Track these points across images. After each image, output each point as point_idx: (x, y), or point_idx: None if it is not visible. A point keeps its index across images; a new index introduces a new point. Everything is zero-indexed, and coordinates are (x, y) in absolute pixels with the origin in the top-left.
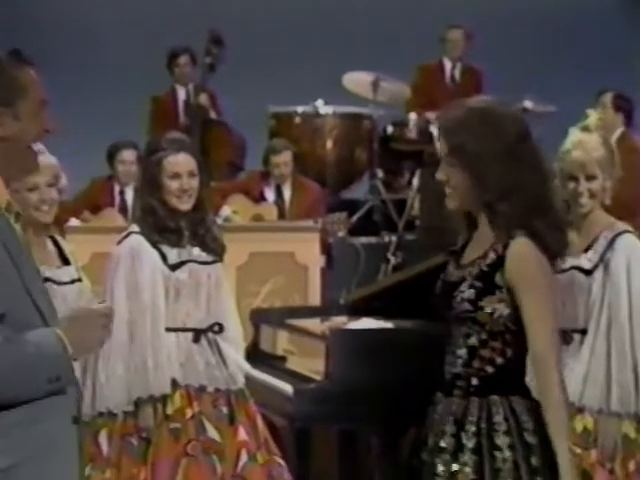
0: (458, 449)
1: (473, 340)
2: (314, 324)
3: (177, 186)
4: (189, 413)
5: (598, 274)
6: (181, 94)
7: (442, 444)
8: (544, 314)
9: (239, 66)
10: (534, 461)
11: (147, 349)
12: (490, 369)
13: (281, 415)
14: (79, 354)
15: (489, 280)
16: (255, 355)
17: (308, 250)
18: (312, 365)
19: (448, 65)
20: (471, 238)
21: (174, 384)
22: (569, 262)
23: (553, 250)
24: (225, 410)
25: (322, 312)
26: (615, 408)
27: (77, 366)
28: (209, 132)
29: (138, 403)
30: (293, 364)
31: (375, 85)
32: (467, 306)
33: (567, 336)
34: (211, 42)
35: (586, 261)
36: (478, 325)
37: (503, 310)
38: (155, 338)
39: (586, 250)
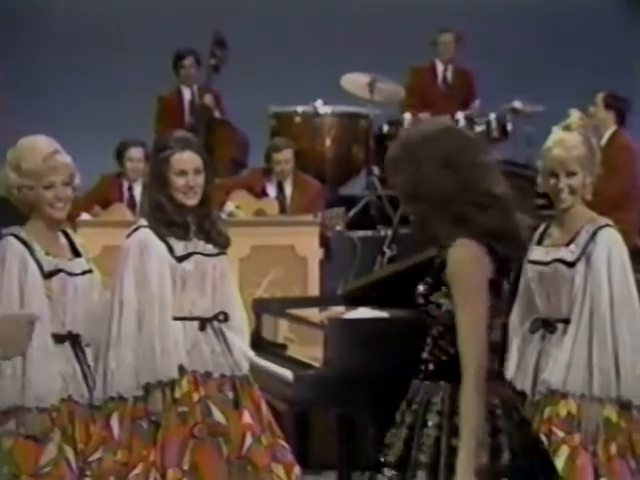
0: (399, 424)
1: (434, 331)
2: (313, 313)
3: (183, 183)
4: (196, 397)
5: (580, 266)
6: (186, 94)
7: (396, 419)
8: (469, 318)
9: (242, 68)
10: (454, 442)
11: (155, 337)
12: (444, 357)
13: (282, 399)
14: (6, 354)
15: (437, 277)
16: (257, 343)
17: (307, 243)
18: (311, 352)
19: (440, 67)
20: None
21: (181, 370)
22: (552, 255)
23: (502, 251)
24: (230, 395)
25: (320, 302)
26: (597, 393)
27: (89, 353)
28: (213, 131)
29: (147, 388)
30: (293, 351)
31: (371, 86)
32: (421, 300)
33: (551, 325)
34: (215, 44)
35: (569, 254)
36: (432, 318)
37: (449, 305)
38: (163, 326)
39: (568, 243)
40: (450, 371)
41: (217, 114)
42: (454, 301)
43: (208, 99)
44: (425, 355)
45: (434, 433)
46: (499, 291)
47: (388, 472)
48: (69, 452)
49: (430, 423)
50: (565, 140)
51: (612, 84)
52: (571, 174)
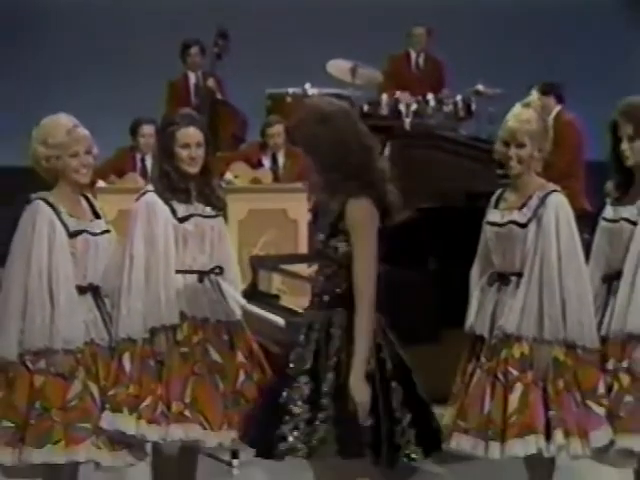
0: (305, 344)
1: (327, 271)
2: (302, 268)
3: (187, 154)
4: (195, 340)
5: (532, 227)
6: (192, 79)
7: (300, 340)
8: (365, 255)
9: (242, 56)
10: (352, 349)
11: (160, 287)
12: (338, 290)
13: (275, 343)
14: None
15: (335, 226)
16: (254, 294)
17: (298, 208)
18: (301, 302)
19: (413, 55)
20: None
21: (182, 316)
22: (507, 217)
23: (386, 201)
24: (226, 337)
25: (309, 259)
26: (547, 337)
27: (108, 303)
28: (216, 111)
29: (153, 332)
30: (285, 301)
31: (353, 71)
32: (321, 245)
33: (506, 278)
34: (218, 36)
35: (521, 216)
36: (329, 259)
37: (344, 248)
38: (167, 279)
39: (521, 207)
40: (345, 300)
41: (219, 96)
42: (353, 244)
43: (211, 82)
44: (317, 290)
45: (337, 344)
46: (382, 238)
47: (304, 379)
48: (93, 388)
49: (334, 337)
50: (520, 114)
51: (568, 70)
52: (520, 145)
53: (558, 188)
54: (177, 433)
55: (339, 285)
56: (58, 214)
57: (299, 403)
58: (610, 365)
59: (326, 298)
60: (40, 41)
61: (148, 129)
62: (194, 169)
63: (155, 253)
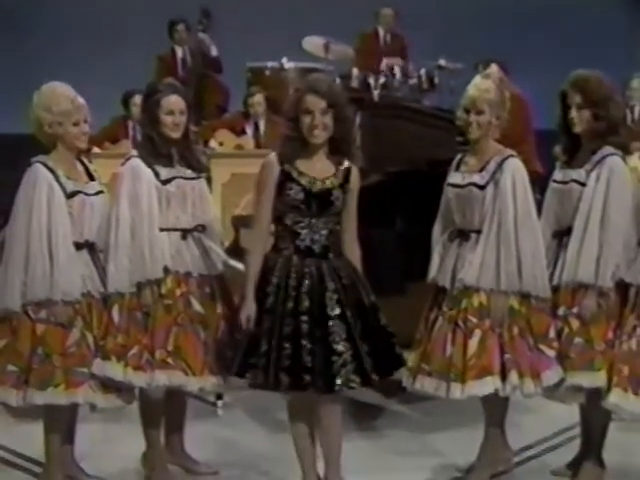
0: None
1: (332, 225)
2: None
3: (171, 120)
4: (178, 292)
5: (490, 188)
6: (179, 53)
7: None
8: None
9: (224, 32)
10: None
11: (145, 245)
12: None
13: None
14: None
15: (343, 187)
16: (236, 251)
17: None
18: None
19: (381, 33)
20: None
21: (166, 271)
22: (467, 179)
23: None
24: (207, 290)
25: None
26: (503, 288)
27: (102, 257)
28: (202, 83)
29: (139, 286)
30: None
31: (326, 47)
32: (338, 202)
33: (466, 235)
34: (202, 14)
35: (480, 179)
36: (338, 214)
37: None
38: (151, 236)
39: (480, 170)
40: (339, 247)
41: (213, 51)
42: (351, 201)
43: (206, 38)
44: (325, 242)
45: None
46: None
47: (304, 317)
48: (89, 336)
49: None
50: (481, 84)
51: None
52: (480, 112)
53: (514, 153)
54: (161, 379)
55: (338, 236)
56: (56, 177)
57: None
58: (561, 311)
59: (334, 247)
60: (39, 17)
61: (139, 99)
62: (176, 134)
63: (139, 213)
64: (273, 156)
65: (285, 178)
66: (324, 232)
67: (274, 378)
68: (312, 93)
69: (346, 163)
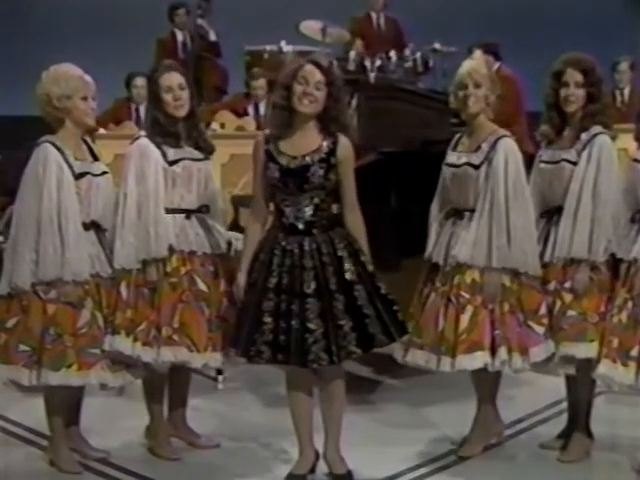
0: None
1: (316, 200)
2: None
3: (171, 97)
4: (183, 270)
5: (484, 168)
6: (179, 37)
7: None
8: (353, 180)
9: (223, 16)
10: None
11: (150, 223)
12: (330, 212)
13: None
14: None
15: (327, 161)
16: (235, 229)
17: None
18: None
19: (374, 16)
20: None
21: (171, 249)
22: (463, 159)
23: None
24: (211, 268)
25: None
26: (495, 265)
27: (108, 235)
28: (201, 65)
29: (144, 263)
30: None
31: (323, 31)
32: (321, 179)
33: (460, 214)
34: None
35: (475, 158)
36: (322, 189)
37: (334, 178)
38: (156, 215)
39: (475, 150)
40: (337, 221)
41: (212, 36)
42: (345, 174)
43: (204, 24)
44: (309, 218)
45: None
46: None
47: (283, 296)
48: (99, 316)
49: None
50: (471, 63)
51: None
52: (477, 85)
53: (508, 133)
54: (167, 355)
55: (329, 209)
56: (65, 157)
57: None
58: (551, 287)
59: (324, 222)
60: (40, 1)
61: (140, 81)
62: (180, 112)
63: (145, 191)
64: (261, 136)
65: (268, 158)
66: (308, 208)
67: (257, 350)
68: (312, 64)
69: (333, 138)
